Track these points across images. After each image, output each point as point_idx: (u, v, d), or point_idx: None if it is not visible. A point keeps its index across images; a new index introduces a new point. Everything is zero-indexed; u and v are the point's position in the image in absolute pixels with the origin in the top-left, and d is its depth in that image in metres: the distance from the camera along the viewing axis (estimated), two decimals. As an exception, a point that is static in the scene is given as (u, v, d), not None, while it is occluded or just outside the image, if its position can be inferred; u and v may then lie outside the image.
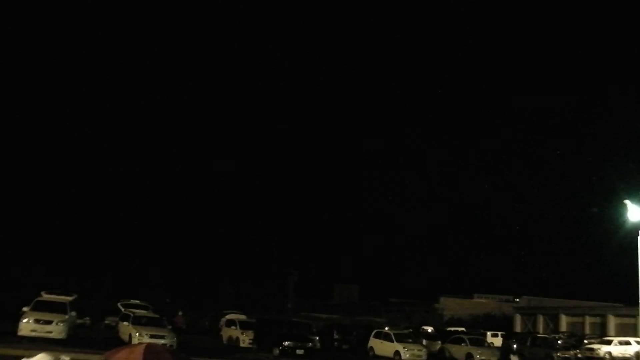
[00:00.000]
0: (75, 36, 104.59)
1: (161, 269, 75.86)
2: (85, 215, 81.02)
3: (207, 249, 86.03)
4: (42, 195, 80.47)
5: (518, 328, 64.31)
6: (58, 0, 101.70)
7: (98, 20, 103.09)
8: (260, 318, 34.43)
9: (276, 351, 28.43)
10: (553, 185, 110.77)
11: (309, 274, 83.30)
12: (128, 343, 24.83)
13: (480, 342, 37.36)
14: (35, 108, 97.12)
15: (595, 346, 38.82)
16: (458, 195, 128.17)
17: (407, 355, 31.63)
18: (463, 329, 52.69)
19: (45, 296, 26.48)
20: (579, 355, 37.74)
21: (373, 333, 34.91)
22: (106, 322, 34.97)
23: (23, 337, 23.48)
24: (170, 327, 29.49)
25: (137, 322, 27.01)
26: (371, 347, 34.00)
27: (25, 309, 25.02)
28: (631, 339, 39.69)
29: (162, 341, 24.51)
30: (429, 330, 47.28)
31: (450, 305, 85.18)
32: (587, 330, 56.24)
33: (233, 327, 32.69)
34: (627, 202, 29.74)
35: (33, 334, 23.72)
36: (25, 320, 24.02)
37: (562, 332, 52.82)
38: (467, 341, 35.83)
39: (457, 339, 37.06)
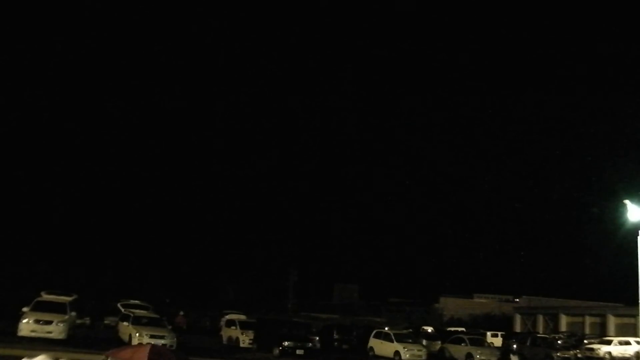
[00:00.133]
0: (75, 36, 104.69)
1: (161, 269, 75.98)
2: (85, 215, 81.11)
3: (207, 249, 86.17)
4: (42, 195, 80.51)
5: (518, 328, 64.33)
6: (58, 0, 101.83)
7: (98, 20, 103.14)
8: (260, 318, 34.44)
9: (276, 351, 28.42)
10: (553, 185, 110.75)
11: (308, 274, 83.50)
12: (128, 343, 24.84)
13: (480, 342, 37.35)
14: (36, 107, 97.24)
15: (595, 346, 38.83)
16: (458, 195, 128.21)
17: (407, 356, 31.62)
18: (463, 329, 52.65)
19: (45, 296, 26.45)
20: (579, 355, 37.75)
21: (373, 333, 34.90)
22: (106, 322, 34.96)
23: (23, 338, 23.44)
24: (170, 327, 29.50)
25: (137, 322, 26.97)
26: (371, 347, 34.00)
27: (25, 309, 24.97)
28: (631, 339, 39.69)
29: (162, 341, 24.49)
30: (429, 330, 47.28)
31: (450, 305, 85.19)
32: (587, 330, 56.25)
33: (233, 327, 32.69)
34: (627, 202, 29.74)
35: (33, 334, 23.69)
36: (25, 321, 23.99)
37: (562, 332, 52.81)
38: (467, 341, 35.82)
39: (457, 339, 37.05)
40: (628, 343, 38.85)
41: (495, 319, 72.21)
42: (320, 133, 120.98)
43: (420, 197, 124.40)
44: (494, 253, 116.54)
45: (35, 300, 25.58)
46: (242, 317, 35.91)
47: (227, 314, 39.77)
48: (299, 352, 28.48)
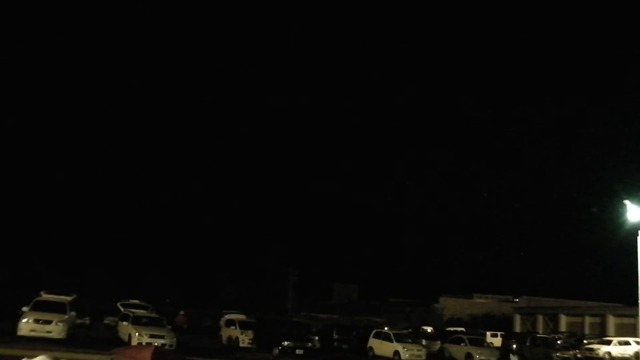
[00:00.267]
0: (75, 36, 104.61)
1: (161, 269, 75.95)
2: (85, 215, 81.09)
3: (207, 248, 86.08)
4: (42, 194, 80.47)
5: (517, 328, 64.37)
6: (58, 0, 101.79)
7: (98, 20, 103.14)
8: (260, 318, 34.44)
9: (276, 351, 28.43)
10: (553, 185, 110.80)
11: (308, 274, 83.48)
12: (127, 343, 24.86)
13: (480, 342, 37.35)
14: (35, 107, 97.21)
15: (594, 346, 38.85)
16: (458, 195, 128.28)
17: (407, 355, 31.62)
18: (462, 329, 52.67)
19: (45, 296, 26.46)
20: (579, 355, 37.76)
21: (372, 333, 34.88)
22: (105, 322, 34.95)
23: (22, 337, 23.46)
24: (170, 327, 29.49)
25: (137, 322, 26.95)
26: (370, 347, 33.99)
27: (24, 308, 24.97)
28: (630, 339, 39.70)
29: (161, 341, 24.52)
30: (429, 330, 47.28)
31: (449, 305, 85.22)
32: (587, 330, 56.30)
33: (232, 327, 32.69)
34: (626, 202, 29.71)
35: (32, 333, 23.69)
36: (24, 320, 24.00)
37: (562, 332, 52.87)
38: (467, 341, 35.83)
39: (457, 339, 37.06)
40: (627, 343, 38.87)
41: (494, 319, 72.23)
42: (320, 133, 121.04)
43: (420, 197, 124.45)
44: (493, 253, 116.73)
45: (35, 299, 25.58)
46: (242, 316, 35.93)
47: (226, 313, 39.79)
48: (299, 351, 28.50)
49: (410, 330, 43.32)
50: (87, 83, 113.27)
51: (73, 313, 26.57)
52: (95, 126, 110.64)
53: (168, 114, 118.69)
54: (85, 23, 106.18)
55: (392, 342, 32.65)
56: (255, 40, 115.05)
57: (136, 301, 35.68)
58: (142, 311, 31.04)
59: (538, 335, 46.43)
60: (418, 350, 32.48)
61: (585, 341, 42.51)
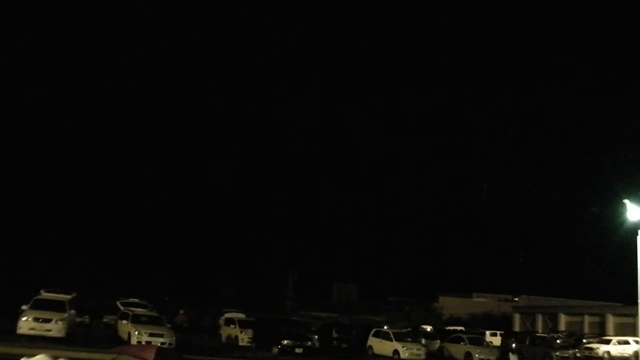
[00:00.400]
0: (75, 36, 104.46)
1: (161, 268, 75.96)
2: (85, 214, 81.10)
3: (207, 247, 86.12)
4: (42, 193, 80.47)
5: (517, 327, 64.38)
6: (58, 1, 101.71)
7: (98, 20, 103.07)
8: (259, 317, 34.44)
9: (275, 350, 28.42)
10: (553, 185, 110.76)
11: (308, 272, 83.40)
12: (127, 341, 24.87)
13: (479, 341, 37.39)
14: (35, 107, 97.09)
15: (594, 345, 38.82)
16: (457, 195, 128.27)
17: (406, 354, 31.65)
18: (462, 328, 52.65)
19: (45, 294, 26.47)
20: (578, 355, 37.73)
21: (372, 332, 34.90)
22: (104, 320, 34.91)
23: (22, 336, 23.45)
24: (169, 325, 29.48)
25: (136, 320, 26.93)
26: (370, 346, 34.01)
27: (24, 307, 24.97)
28: (630, 339, 39.66)
29: (160, 340, 24.53)
30: (428, 329, 47.31)
31: (449, 305, 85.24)
32: (586, 330, 56.28)
33: (232, 326, 32.72)
34: (626, 201, 29.69)
35: (32, 332, 23.69)
36: (24, 319, 23.99)
37: (561, 332, 52.87)
38: (466, 340, 35.86)
39: (456, 338, 37.08)
40: (627, 342, 38.84)
41: (494, 318, 72.28)
42: (320, 133, 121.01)
43: (420, 197, 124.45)
44: (493, 252, 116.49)
45: (35, 298, 25.58)
46: (241, 315, 35.96)
47: (226, 312, 39.81)
48: (298, 350, 28.51)
49: (409, 329, 43.34)
50: (87, 83, 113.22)
51: (72, 311, 26.57)
52: (95, 126, 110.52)
53: (168, 114, 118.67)
54: (85, 23, 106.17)
55: (392, 341, 32.69)
56: (255, 41, 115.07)
57: (136, 300, 35.67)
58: (141, 310, 31.04)
59: (537, 334, 46.48)
60: (417, 349, 32.50)
61: (584, 340, 42.50)
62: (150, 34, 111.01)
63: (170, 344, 24.68)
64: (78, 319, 29.92)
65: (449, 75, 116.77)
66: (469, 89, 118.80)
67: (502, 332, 49.51)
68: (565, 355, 37.28)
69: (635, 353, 36.53)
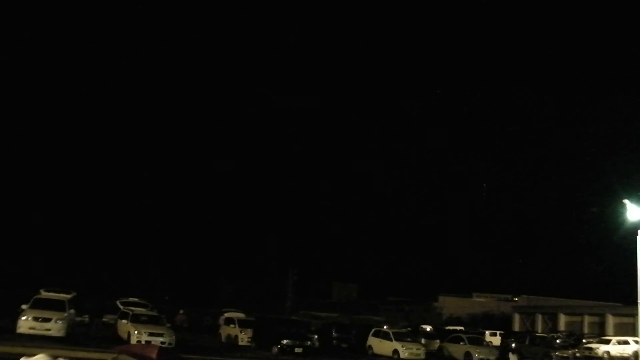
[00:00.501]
0: (75, 36, 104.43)
1: (161, 267, 75.99)
2: (85, 213, 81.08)
3: (206, 247, 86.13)
4: (41, 193, 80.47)
5: (517, 327, 64.36)
6: (58, 1, 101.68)
7: (98, 20, 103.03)
8: (259, 316, 34.44)
9: (275, 349, 28.42)
10: (553, 185, 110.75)
11: (308, 272, 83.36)
12: (127, 341, 24.87)
13: (479, 341, 37.41)
14: (35, 106, 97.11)
15: (593, 345, 38.82)
16: (458, 195, 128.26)
17: (406, 354, 31.66)
18: (462, 327, 52.70)
19: (44, 294, 26.47)
20: (578, 355, 37.73)
21: (372, 332, 34.90)
22: (104, 320, 34.93)
23: (22, 335, 23.45)
24: (169, 325, 29.48)
25: (136, 320, 26.95)
26: (370, 346, 34.02)
27: (24, 306, 24.96)
28: (630, 339, 39.66)
29: (160, 339, 24.53)
30: (428, 329, 47.33)
31: (449, 304, 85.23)
32: (586, 330, 56.26)
33: (232, 326, 32.72)
34: (626, 201, 29.70)
35: (32, 331, 23.69)
36: (24, 318, 24.00)
37: (561, 332, 52.84)
38: (466, 340, 35.88)
39: (456, 338, 37.10)
40: (626, 342, 38.83)
41: (494, 318, 72.28)
42: (320, 133, 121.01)
43: (420, 197, 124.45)
44: (493, 252, 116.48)
45: (34, 297, 25.59)
46: (241, 315, 35.94)
47: (225, 312, 39.81)
48: (298, 350, 28.50)
49: (409, 329, 43.39)
50: (87, 83, 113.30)
51: (72, 311, 26.56)
52: (96, 126, 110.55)
53: (168, 113, 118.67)
54: (85, 23, 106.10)
55: (392, 340, 32.70)
56: (255, 41, 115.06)
57: (135, 299, 35.70)
58: (141, 309, 31.06)
59: (537, 334, 46.47)
60: (417, 349, 32.52)
61: (584, 340, 42.49)
62: (150, 34, 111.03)
63: (170, 344, 24.68)
64: (78, 319, 29.95)
65: (449, 75, 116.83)
66: (469, 89, 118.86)
67: (502, 332, 49.51)
68: (565, 355, 37.28)
69: (635, 353, 36.53)
